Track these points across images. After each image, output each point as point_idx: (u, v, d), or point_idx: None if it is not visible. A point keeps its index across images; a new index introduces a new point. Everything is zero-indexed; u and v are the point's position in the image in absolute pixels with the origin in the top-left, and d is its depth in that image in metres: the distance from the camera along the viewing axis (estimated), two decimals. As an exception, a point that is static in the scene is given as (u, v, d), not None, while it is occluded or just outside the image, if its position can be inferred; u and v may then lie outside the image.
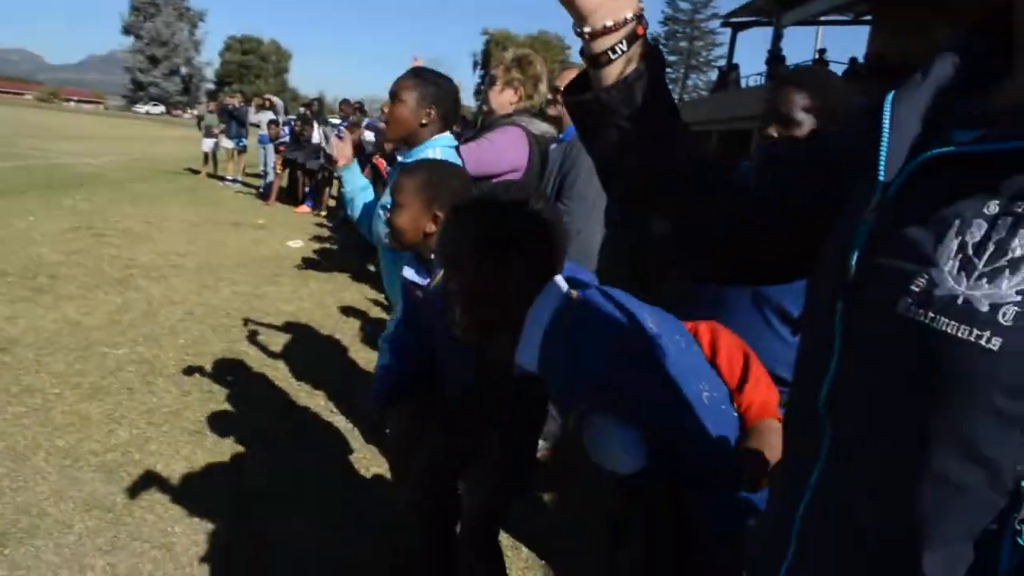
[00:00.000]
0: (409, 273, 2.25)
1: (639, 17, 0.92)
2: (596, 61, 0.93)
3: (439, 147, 2.69)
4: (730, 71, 30.97)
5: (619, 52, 0.91)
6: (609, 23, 0.91)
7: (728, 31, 33.19)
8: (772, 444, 1.46)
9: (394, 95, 2.71)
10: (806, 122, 2.05)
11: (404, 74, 2.78)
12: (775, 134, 2.08)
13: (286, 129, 13.90)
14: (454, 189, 2.13)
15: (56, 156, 18.04)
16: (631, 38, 0.91)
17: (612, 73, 0.93)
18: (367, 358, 5.39)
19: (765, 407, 1.58)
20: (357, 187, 3.01)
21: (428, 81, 2.67)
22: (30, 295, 5.99)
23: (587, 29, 0.91)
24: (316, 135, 13.03)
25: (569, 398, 1.43)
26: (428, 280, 2.18)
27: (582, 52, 0.94)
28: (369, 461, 3.82)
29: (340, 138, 3.03)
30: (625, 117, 0.93)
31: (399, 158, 2.90)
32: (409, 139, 2.70)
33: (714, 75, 42.66)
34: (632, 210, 1.03)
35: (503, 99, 3.60)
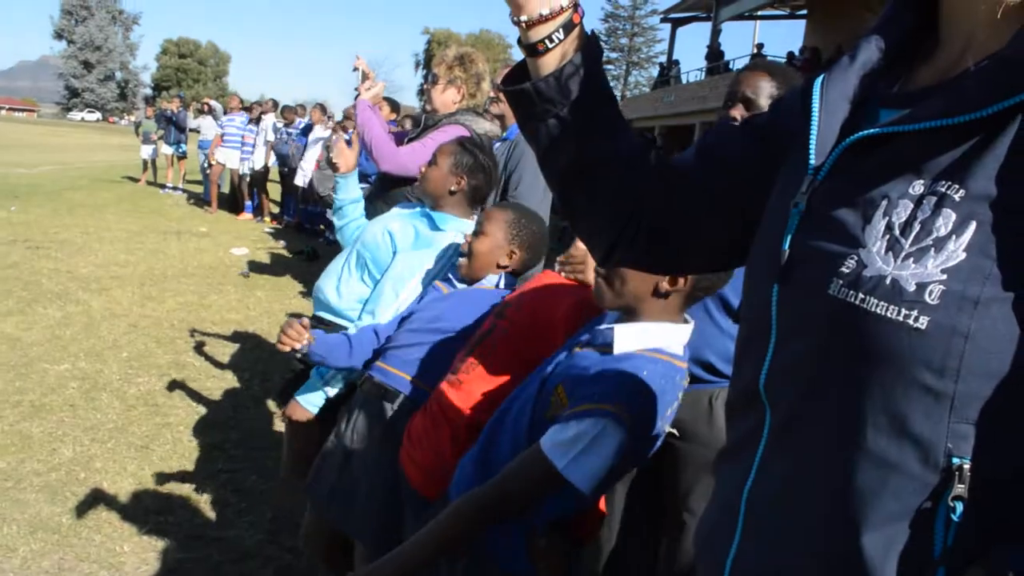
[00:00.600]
0: (445, 282, 2.39)
1: (575, 5, 0.93)
2: (533, 50, 0.93)
3: (451, 231, 2.60)
4: (671, 67, 31.30)
5: (556, 41, 0.92)
6: (545, 11, 0.91)
7: (668, 27, 33.55)
8: None
9: (433, 157, 2.68)
10: None
11: (449, 141, 2.74)
12: (738, 116, 2.12)
13: (240, 121, 13.49)
14: (535, 234, 2.28)
15: (-12, 167, 17.50)
16: (568, 26, 0.92)
17: (550, 62, 0.93)
18: (317, 365, 5.30)
19: None
20: (350, 197, 2.99)
21: (466, 151, 2.63)
22: (-36, 312, 5.80)
23: (524, 17, 0.92)
24: (269, 125, 12.76)
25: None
26: (459, 286, 2.34)
27: (519, 41, 0.95)
28: (322, 469, 3.78)
29: (348, 143, 3.01)
30: (563, 106, 0.94)
31: (397, 208, 2.87)
32: (437, 203, 2.65)
33: (655, 71, 43.08)
34: (571, 199, 1.03)
35: (446, 98, 3.58)
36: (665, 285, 1.53)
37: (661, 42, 60.31)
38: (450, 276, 2.39)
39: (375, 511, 2.14)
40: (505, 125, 3.68)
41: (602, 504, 1.80)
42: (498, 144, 3.61)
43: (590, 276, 1.93)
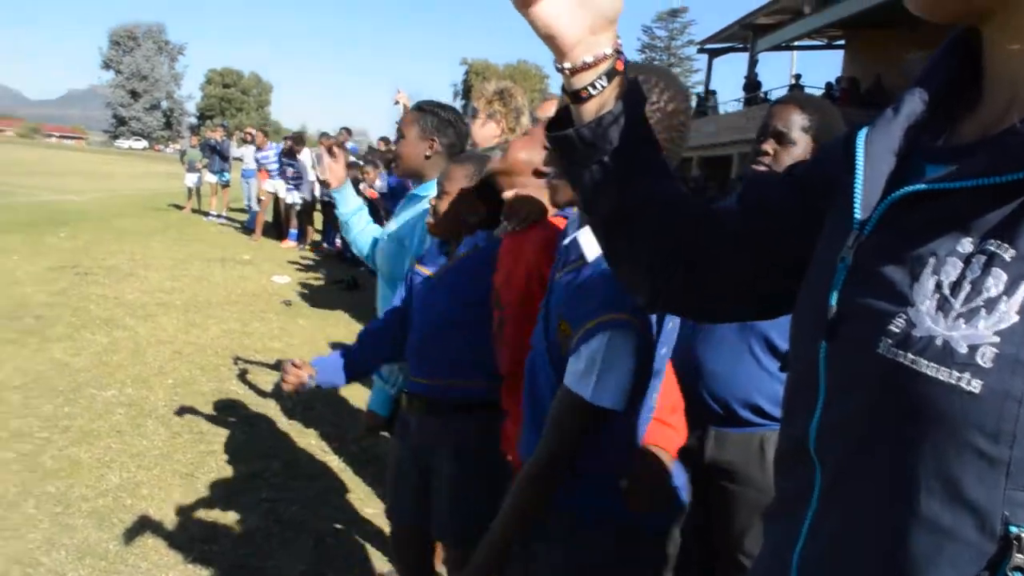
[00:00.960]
0: (423, 265, 2.38)
1: (618, 52, 0.94)
2: (577, 96, 0.94)
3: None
4: (708, 97, 31.28)
5: (599, 88, 0.93)
6: (589, 59, 0.92)
7: (704, 58, 33.58)
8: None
9: (399, 132, 2.73)
10: (801, 141, 2.10)
11: (409, 110, 2.79)
12: (770, 150, 2.13)
13: (272, 154, 13.78)
14: None
15: (39, 193, 17.94)
16: (611, 73, 0.93)
17: (591, 109, 0.94)
18: (358, 395, 5.32)
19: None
20: (351, 209, 3.03)
21: (427, 112, 2.67)
22: (16, 336, 5.95)
23: (567, 65, 0.93)
24: (308, 160, 12.94)
25: (605, 304, 1.43)
26: (441, 264, 2.32)
27: (564, 89, 0.96)
28: (363, 501, 3.81)
29: (332, 157, 3.05)
30: (605, 152, 0.94)
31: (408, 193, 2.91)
32: (417, 174, 2.68)
33: (693, 102, 43.09)
34: (614, 245, 1.04)
35: (486, 132, 3.62)
36: None
37: (698, 72, 60.22)
38: (426, 254, 2.39)
39: (453, 513, 2.18)
40: (546, 160, 3.72)
41: (680, 411, 1.76)
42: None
43: (531, 187, 1.92)
